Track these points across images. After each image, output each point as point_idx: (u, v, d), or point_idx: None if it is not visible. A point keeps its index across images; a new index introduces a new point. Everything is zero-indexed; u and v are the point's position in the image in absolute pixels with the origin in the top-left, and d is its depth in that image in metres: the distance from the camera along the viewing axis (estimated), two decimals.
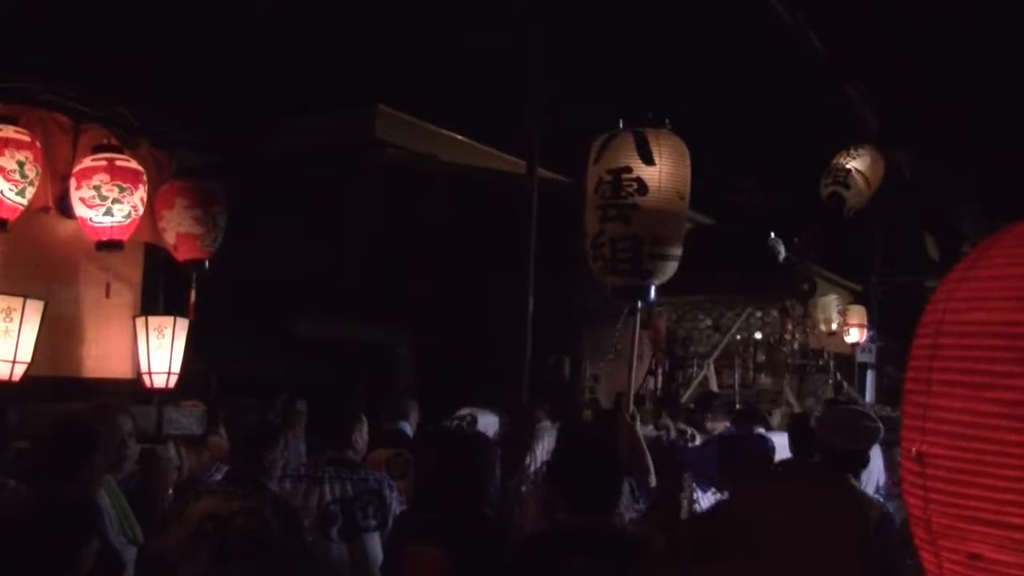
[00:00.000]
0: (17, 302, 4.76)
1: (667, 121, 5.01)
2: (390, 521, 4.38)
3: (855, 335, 13.73)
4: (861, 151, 8.07)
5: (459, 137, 16.33)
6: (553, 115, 10.62)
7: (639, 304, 5.09)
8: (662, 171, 4.92)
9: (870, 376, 16.82)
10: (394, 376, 12.83)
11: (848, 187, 8.10)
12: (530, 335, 9.88)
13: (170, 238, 5.83)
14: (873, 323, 14.56)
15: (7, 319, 4.72)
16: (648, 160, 4.93)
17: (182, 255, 5.88)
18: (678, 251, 5.03)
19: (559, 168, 12.70)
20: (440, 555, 3.32)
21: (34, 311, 4.82)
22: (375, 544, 4.42)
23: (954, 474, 0.93)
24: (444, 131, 16.16)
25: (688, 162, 4.98)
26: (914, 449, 0.98)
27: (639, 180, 4.90)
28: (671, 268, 4.96)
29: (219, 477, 4.81)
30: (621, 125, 4.95)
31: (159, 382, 5.45)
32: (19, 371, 4.78)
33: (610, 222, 4.92)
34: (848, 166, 8.08)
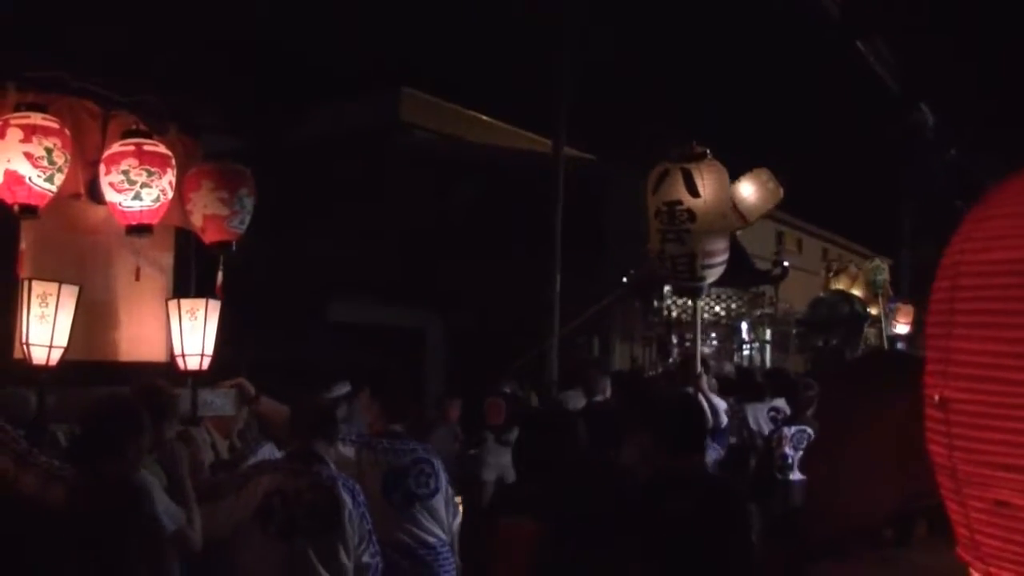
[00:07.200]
0: (52, 287, 4.82)
1: (708, 152, 6.39)
2: (443, 485, 4.82)
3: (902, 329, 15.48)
4: None
5: (484, 117, 16.30)
6: (580, 93, 10.58)
7: (698, 295, 6.91)
8: (707, 200, 6.42)
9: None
10: (424, 356, 12.87)
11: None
12: (558, 314, 9.88)
13: (197, 220, 5.86)
14: (904, 294, 15.56)
15: (43, 304, 4.77)
16: (695, 193, 6.41)
17: (209, 237, 5.91)
18: (725, 256, 6.76)
19: (583, 144, 12.62)
20: (536, 527, 3.42)
21: (69, 296, 4.87)
22: (431, 505, 4.74)
23: (976, 419, 0.91)
24: (470, 112, 16.14)
25: (727, 184, 6.62)
26: (937, 395, 0.96)
27: (689, 210, 6.45)
28: (720, 270, 6.75)
29: (260, 453, 4.97)
30: (671, 155, 6.54)
31: (192, 364, 5.49)
32: (56, 356, 4.84)
33: (669, 243, 6.61)
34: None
